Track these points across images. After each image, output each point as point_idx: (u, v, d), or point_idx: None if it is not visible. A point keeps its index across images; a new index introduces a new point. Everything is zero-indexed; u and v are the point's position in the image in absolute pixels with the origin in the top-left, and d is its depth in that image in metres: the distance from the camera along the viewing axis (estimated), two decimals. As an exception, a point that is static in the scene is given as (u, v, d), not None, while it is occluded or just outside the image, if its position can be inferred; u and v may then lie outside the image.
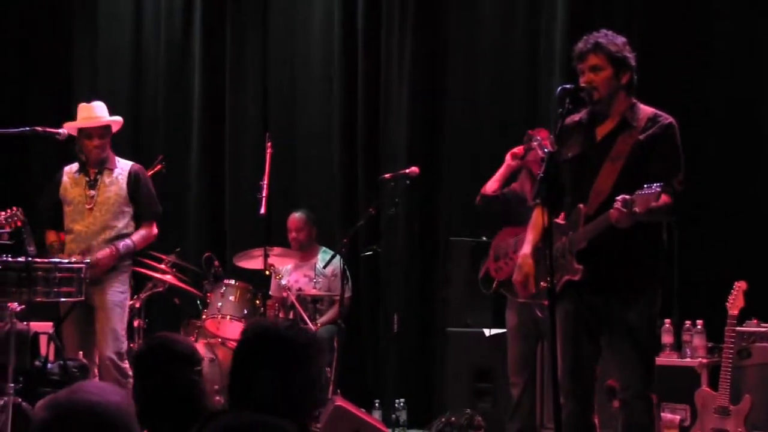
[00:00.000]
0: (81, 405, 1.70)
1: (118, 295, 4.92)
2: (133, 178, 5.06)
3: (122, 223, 4.99)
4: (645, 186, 3.32)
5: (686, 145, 3.67)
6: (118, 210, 4.99)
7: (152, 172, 5.95)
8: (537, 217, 3.75)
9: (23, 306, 4.22)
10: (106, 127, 5.06)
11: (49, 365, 4.71)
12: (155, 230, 5.16)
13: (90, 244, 4.91)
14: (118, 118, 5.20)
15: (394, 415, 5.89)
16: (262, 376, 2.29)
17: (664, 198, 3.43)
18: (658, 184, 3.30)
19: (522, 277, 3.75)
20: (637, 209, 3.32)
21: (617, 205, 3.37)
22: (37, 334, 4.86)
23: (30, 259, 4.18)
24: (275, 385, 2.28)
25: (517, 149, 4.99)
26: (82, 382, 1.82)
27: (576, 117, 3.74)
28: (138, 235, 5.02)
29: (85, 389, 1.75)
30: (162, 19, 7.79)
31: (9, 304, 4.15)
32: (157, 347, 2.87)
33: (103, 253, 4.82)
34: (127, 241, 4.95)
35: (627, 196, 3.34)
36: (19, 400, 4.19)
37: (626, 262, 3.57)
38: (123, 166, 5.10)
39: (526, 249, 3.78)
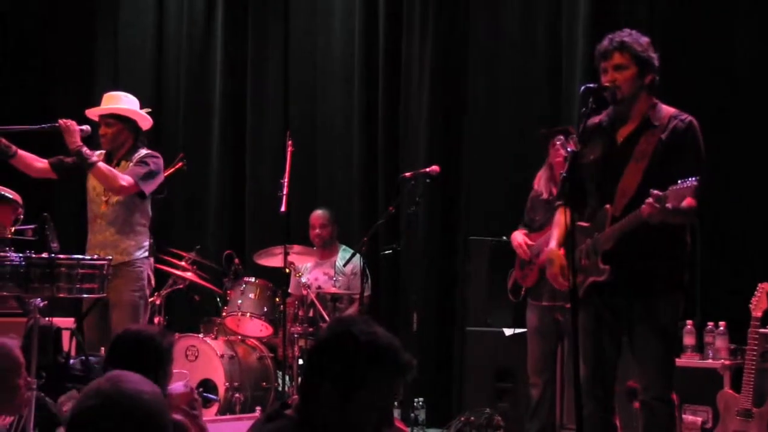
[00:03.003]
0: (127, 394, 1.72)
1: (131, 295, 4.86)
2: (136, 162, 4.93)
3: (135, 216, 4.93)
4: (680, 181, 3.30)
5: (709, 145, 3.65)
6: (130, 201, 4.91)
7: (173, 170, 5.98)
8: (560, 216, 3.74)
9: (46, 302, 4.24)
10: (114, 116, 4.98)
11: (72, 360, 4.74)
12: (122, 183, 4.80)
13: (105, 235, 4.90)
14: (128, 107, 5.05)
15: (413, 414, 5.87)
16: (323, 390, 2.03)
17: (688, 200, 3.41)
18: (694, 177, 3.29)
19: (557, 269, 3.72)
20: (670, 204, 3.31)
21: (650, 200, 3.35)
22: (59, 330, 4.88)
23: (53, 255, 4.20)
24: (335, 403, 2.02)
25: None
26: (118, 372, 1.80)
27: (596, 119, 3.72)
28: (110, 169, 4.82)
29: (126, 379, 1.76)
30: (184, 17, 7.82)
31: (32, 300, 4.17)
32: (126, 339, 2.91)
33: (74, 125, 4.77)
34: (96, 156, 4.81)
35: (659, 192, 3.33)
36: (42, 394, 4.21)
37: (650, 263, 3.55)
38: (138, 155, 4.97)
39: (553, 244, 3.77)
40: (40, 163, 5.00)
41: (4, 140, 4.83)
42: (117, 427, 1.69)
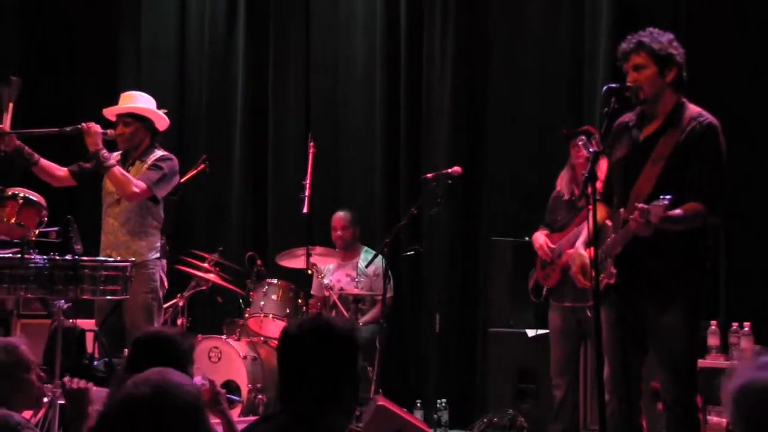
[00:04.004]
0: (175, 384, 1.85)
1: (145, 296, 4.82)
2: (150, 165, 4.92)
3: (148, 218, 4.91)
4: (660, 197, 3.28)
5: (735, 143, 3.61)
6: (143, 203, 4.88)
7: (195, 171, 6.01)
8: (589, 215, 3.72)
9: (70, 303, 4.27)
10: (131, 116, 4.97)
11: (95, 362, 4.77)
12: (134, 189, 4.80)
13: (117, 236, 4.90)
14: (145, 106, 5.05)
15: (435, 415, 5.87)
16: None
17: (692, 205, 3.38)
18: (669, 196, 3.25)
19: (577, 268, 3.72)
20: (653, 219, 3.28)
21: (635, 215, 3.34)
22: (83, 332, 4.91)
23: (77, 257, 4.23)
24: (326, 382, 2.22)
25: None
26: (162, 368, 1.93)
27: (625, 118, 3.71)
28: (125, 174, 4.82)
29: (168, 371, 1.90)
30: (206, 21, 7.85)
31: (56, 302, 4.20)
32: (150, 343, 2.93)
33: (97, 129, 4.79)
34: (113, 159, 4.84)
35: (645, 206, 3.30)
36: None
37: (657, 265, 3.52)
38: (153, 156, 4.96)
39: (580, 242, 3.76)
40: (61, 172, 5.03)
41: (27, 148, 4.87)
42: (168, 412, 1.82)
